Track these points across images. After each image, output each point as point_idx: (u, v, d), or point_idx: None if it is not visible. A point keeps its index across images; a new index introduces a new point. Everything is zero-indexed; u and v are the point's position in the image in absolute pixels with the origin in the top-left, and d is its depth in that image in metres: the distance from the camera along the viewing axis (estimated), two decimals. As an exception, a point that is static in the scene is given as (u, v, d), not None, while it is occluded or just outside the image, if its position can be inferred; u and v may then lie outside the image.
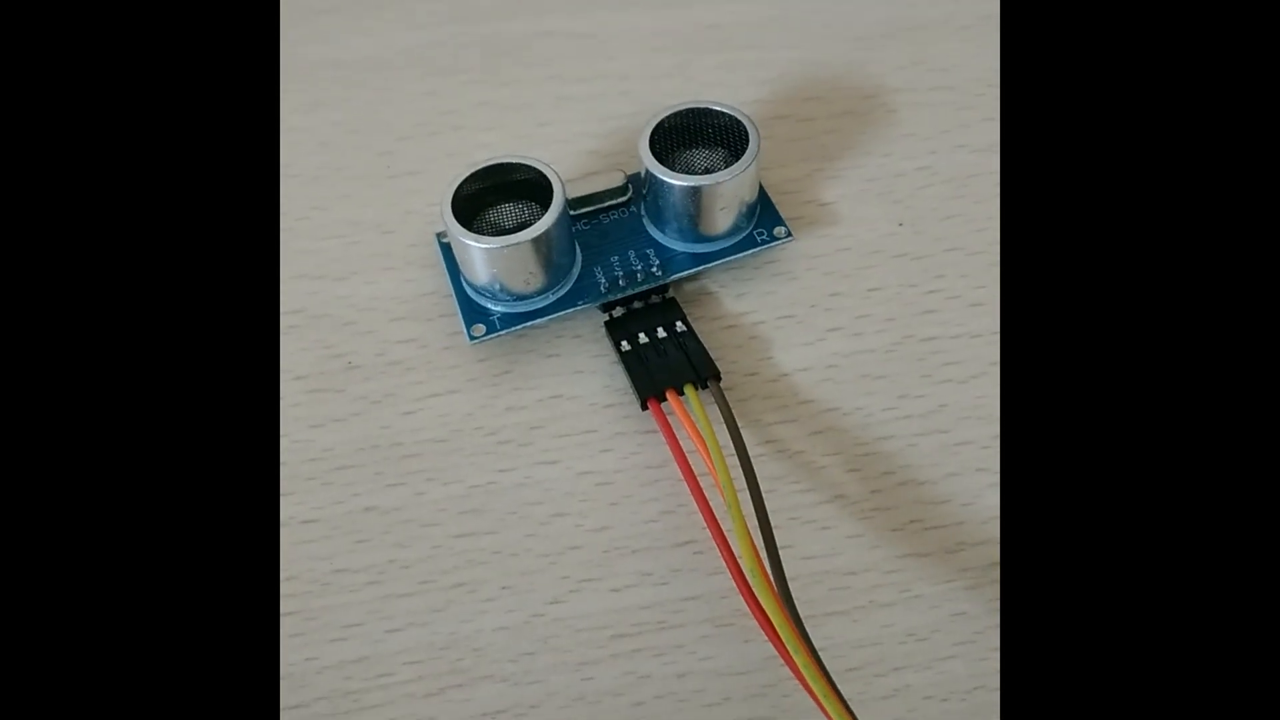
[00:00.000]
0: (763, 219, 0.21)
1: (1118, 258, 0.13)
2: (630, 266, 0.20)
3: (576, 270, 0.20)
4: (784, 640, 0.15)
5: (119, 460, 0.12)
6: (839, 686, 0.15)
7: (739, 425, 0.18)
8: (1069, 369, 0.13)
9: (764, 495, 0.17)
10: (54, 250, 0.12)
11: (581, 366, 0.20)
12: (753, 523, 0.16)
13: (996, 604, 0.17)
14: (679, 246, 0.21)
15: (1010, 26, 0.14)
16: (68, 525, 0.12)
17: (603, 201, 0.21)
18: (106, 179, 0.13)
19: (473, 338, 0.20)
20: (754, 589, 0.16)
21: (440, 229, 0.21)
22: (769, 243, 0.21)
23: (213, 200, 0.13)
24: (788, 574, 0.16)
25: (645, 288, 0.20)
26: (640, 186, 0.21)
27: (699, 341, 0.20)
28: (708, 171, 0.20)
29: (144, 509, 0.12)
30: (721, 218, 0.20)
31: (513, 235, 0.18)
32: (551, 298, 0.20)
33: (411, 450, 0.20)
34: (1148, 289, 0.13)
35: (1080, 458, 0.13)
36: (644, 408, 0.19)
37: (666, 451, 0.18)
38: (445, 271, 0.21)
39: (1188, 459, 0.12)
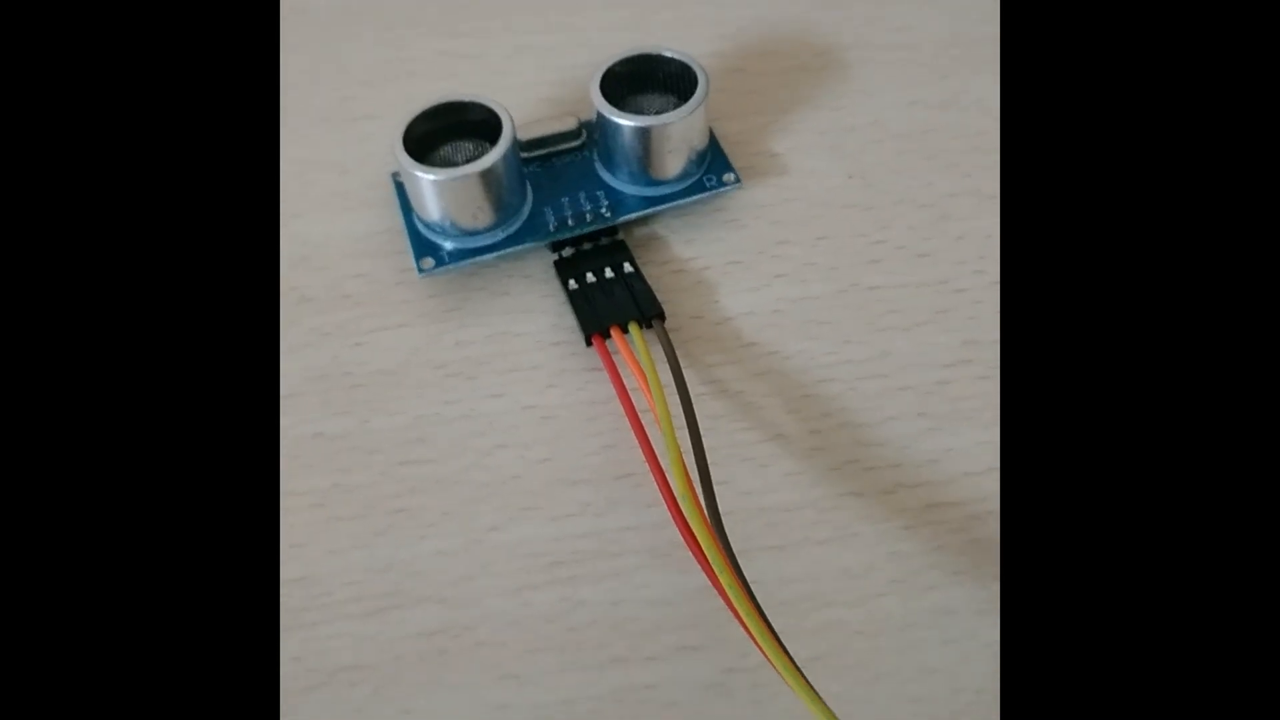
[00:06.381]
0: (713, 166, 0.21)
1: (1066, 217, 0.13)
2: (580, 207, 0.21)
3: (527, 210, 0.21)
4: (716, 570, 0.15)
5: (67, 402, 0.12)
6: (770, 619, 0.15)
7: (681, 364, 0.18)
8: (1013, 317, 0.13)
9: (702, 432, 0.17)
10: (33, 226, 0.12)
11: (530, 305, 0.21)
12: (691, 459, 0.16)
13: (932, 544, 0.18)
14: (629, 189, 0.21)
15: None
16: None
17: (555, 145, 0.21)
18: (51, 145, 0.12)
19: (421, 270, 0.20)
20: (688, 519, 0.16)
21: (397, 169, 0.22)
22: (718, 188, 0.21)
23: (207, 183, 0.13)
24: (725, 508, 0.16)
25: (595, 228, 0.20)
26: (593, 132, 0.21)
27: (645, 282, 0.20)
28: (658, 114, 0.20)
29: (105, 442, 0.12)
30: (671, 161, 0.20)
31: (460, 168, 0.19)
32: (501, 234, 0.20)
33: (360, 380, 0.20)
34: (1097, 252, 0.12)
35: (1025, 402, 0.12)
36: (588, 344, 0.19)
37: (610, 388, 0.18)
38: (400, 210, 0.21)
39: (1131, 408, 0.12)
